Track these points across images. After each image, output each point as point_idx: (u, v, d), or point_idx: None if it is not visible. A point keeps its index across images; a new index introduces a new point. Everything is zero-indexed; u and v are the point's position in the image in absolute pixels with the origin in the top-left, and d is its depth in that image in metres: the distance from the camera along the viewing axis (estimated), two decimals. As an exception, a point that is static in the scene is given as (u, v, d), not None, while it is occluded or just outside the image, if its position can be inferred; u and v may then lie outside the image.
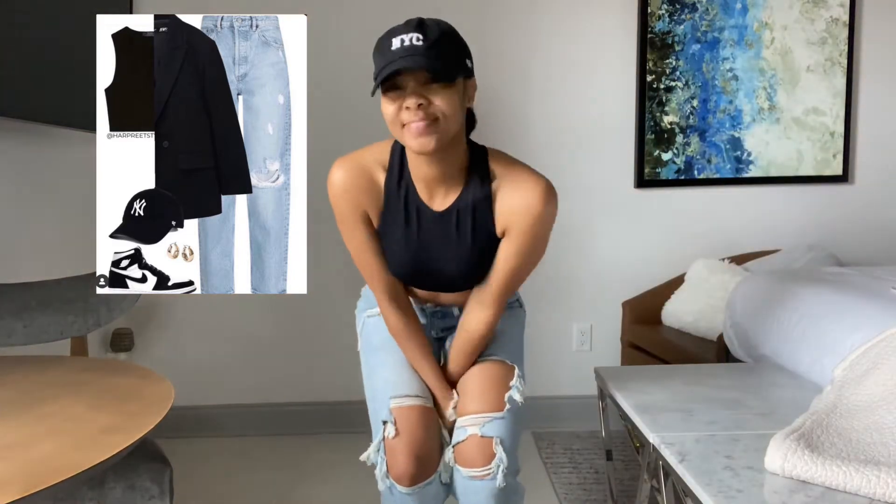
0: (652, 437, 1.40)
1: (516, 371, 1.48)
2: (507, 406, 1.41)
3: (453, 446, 1.41)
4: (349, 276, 2.84)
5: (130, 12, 2.58)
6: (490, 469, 1.35)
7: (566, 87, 2.82)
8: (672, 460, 1.28)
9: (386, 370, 1.51)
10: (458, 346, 1.51)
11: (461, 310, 1.55)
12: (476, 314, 1.48)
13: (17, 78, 1.88)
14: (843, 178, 2.89)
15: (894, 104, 2.91)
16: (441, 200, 1.41)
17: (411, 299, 1.56)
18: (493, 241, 1.42)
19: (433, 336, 1.64)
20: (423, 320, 1.60)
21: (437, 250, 1.43)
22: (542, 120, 2.82)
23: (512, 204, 1.37)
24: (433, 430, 1.43)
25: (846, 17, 2.83)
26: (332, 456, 2.61)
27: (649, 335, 2.66)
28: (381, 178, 1.44)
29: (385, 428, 1.42)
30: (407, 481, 1.38)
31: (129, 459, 1.39)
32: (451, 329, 1.61)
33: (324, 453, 2.64)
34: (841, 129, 2.87)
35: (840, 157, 2.88)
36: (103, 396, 1.24)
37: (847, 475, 1.10)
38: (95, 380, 1.35)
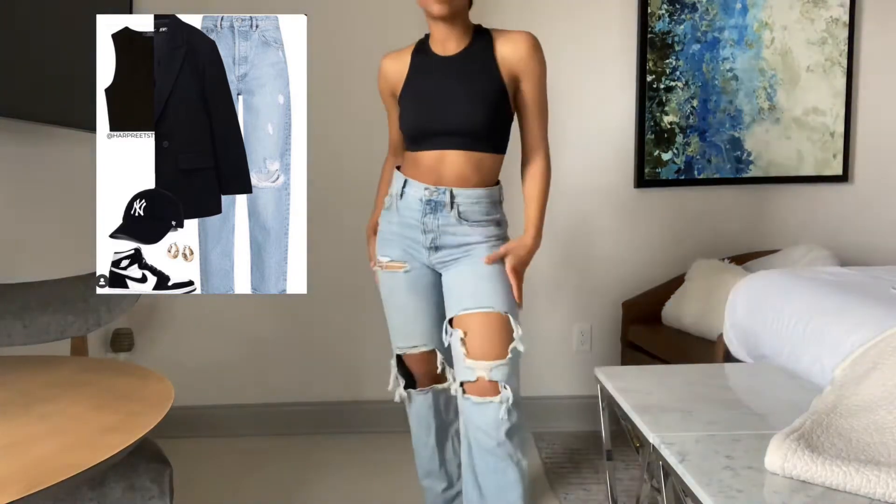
0: (652, 437, 1.40)
1: (512, 322, 1.70)
2: (510, 355, 1.68)
3: (461, 383, 1.70)
4: (349, 276, 2.84)
5: (130, 12, 2.58)
6: (496, 399, 1.65)
7: (566, 87, 2.82)
8: (672, 460, 1.28)
9: (394, 325, 1.91)
10: (529, 192, 1.80)
11: (453, 204, 1.72)
12: (532, 168, 1.80)
13: (17, 78, 1.88)
14: (843, 178, 2.89)
15: (894, 104, 2.91)
16: (454, 49, 1.73)
17: (413, 187, 1.76)
18: (495, 85, 1.69)
19: (430, 264, 1.81)
20: (419, 238, 1.77)
21: (449, 87, 1.70)
22: (542, 120, 2.82)
23: (515, 49, 1.70)
24: (430, 366, 1.90)
25: (846, 17, 2.83)
26: (332, 456, 2.61)
27: (649, 335, 2.66)
28: (408, 58, 1.80)
29: (397, 365, 1.94)
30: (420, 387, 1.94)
31: (129, 459, 1.39)
32: (448, 252, 1.76)
33: (324, 453, 2.64)
34: (841, 129, 2.87)
35: (840, 157, 2.88)
36: (103, 396, 1.24)
37: (847, 475, 1.10)
38: (95, 380, 1.35)
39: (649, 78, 2.81)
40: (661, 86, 2.82)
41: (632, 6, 2.81)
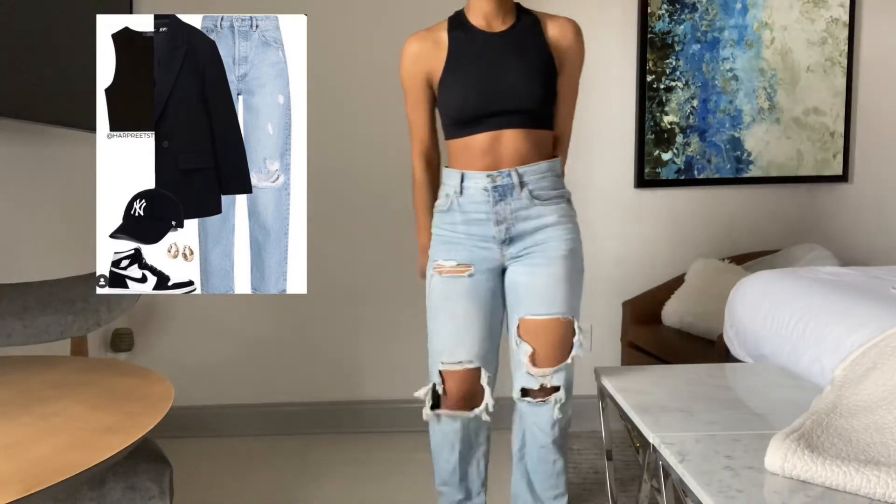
0: (652, 437, 1.40)
1: (576, 325, 1.70)
2: (569, 360, 1.70)
3: (521, 389, 1.71)
4: (349, 277, 2.84)
5: (130, 12, 2.58)
6: (550, 399, 1.70)
7: (566, 87, 2.82)
8: (672, 460, 1.28)
9: (441, 336, 1.72)
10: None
11: (522, 185, 1.64)
12: (562, 135, 1.82)
13: (18, 78, 1.88)
14: (843, 178, 2.89)
15: (894, 104, 2.91)
16: (500, 26, 1.67)
17: (473, 178, 1.66)
18: (547, 61, 1.66)
19: (500, 262, 1.72)
20: (490, 233, 1.68)
21: (504, 63, 1.63)
22: (542, 120, 2.82)
23: (563, 34, 1.69)
24: (474, 384, 1.70)
25: (846, 17, 2.83)
26: (332, 456, 2.61)
27: (649, 335, 2.66)
28: (444, 37, 1.68)
29: (433, 386, 1.72)
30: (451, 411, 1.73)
31: (129, 459, 1.39)
32: (522, 244, 1.68)
33: (324, 453, 2.64)
34: (841, 129, 2.87)
35: (840, 157, 2.88)
36: (103, 396, 1.24)
37: (847, 475, 1.10)
38: (95, 380, 1.35)
39: (649, 78, 2.81)
40: (661, 86, 2.82)
41: (632, 6, 2.81)
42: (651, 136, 2.84)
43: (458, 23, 1.69)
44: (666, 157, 2.85)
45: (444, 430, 1.75)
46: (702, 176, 2.86)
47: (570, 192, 1.78)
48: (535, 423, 1.73)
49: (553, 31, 1.69)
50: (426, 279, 1.78)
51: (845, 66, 2.84)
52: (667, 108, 2.83)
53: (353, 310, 2.86)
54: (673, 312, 2.64)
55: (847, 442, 1.22)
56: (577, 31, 1.72)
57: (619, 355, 2.88)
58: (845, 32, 2.83)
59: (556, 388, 1.70)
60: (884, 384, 1.35)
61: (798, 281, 1.98)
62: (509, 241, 1.68)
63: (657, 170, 2.85)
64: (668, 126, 2.84)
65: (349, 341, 2.88)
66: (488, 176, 1.65)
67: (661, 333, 2.62)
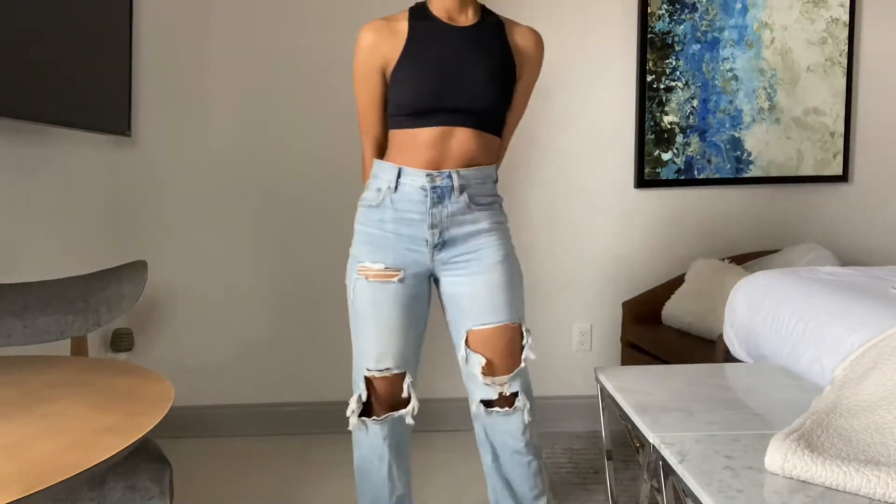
0: (652, 437, 1.40)
1: (523, 329, 1.69)
2: (522, 364, 1.69)
3: (481, 401, 1.69)
4: (349, 276, 2.84)
5: (130, 12, 2.58)
6: (516, 408, 1.68)
7: (566, 87, 2.82)
8: (672, 460, 1.28)
9: (368, 342, 1.67)
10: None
11: (462, 188, 1.59)
12: (503, 145, 1.78)
13: (18, 78, 1.88)
14: (843, 178, 2.89)
15: (894, 104, 2.91)
16: (464, 21, 1.62)
17: (411, 175, 1.59)
18: (508, 65, 1.63)
19: (430, 268, 1.65)
20: (423, 235, 1.61)
21: (465, 58, 1.58)
22: (543, 120, 2.82)
23: (526, 41, 1.67)
24: (399, 389, 1.69)
25: (846, 17, 2.83)
26: (332, 456, 2.61)
27: (649, 335, 2.66)
28: (404, 26, 1.61)
29: (359, 393, 1.69)
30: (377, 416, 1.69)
31: (129, 459, 1.39)
32: (454, 250, 1.63)
33: (324, 453, 2.64)
34: (841, 129, 2.87)
35: (840, 157, 2.88)
36: (103, 396, 1.24)
37: (847, 475, 1.10)
38: (95, 380, 1.35)
39: (649, 78, 2.81)
40: (661, 86, 2.82)
41: (632, 6, 2.81)
42: (651, 136, 2.84)
43: (419, 13, 1.62)
44: (666, 157, 2.85)
45: (372, 439, 1.69)
46: (702, 176, 2.86)
47: (502, 198, 1.72)
48: (506, 432, 1.71)
49: (516, 38, 1.66)
50: (349, 280, 1.68)
51: (845, 66, 2.84)
52: (667, 108, 2.83)
53: (353, 310, 2.85)
54: (673, 312, 2.64)
55: (847, 442, 1.22)
56: (540, 41, 1.70)
57: (619, 355, 2.88)
58: (845, 32, 2.83)
59: (517, 394, 1.69)
60: (884, 384, 1.35)
61: (798, 281, 1.98)
62: (441, 245, 1.61)
63: (657, 170, 2.85)
64: (668, 126, 2.84)
65: (349, 341, 2.87)
66: (428, 175, 1.57)
67: (661, 333, 2.63)
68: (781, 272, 2.11)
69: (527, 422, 1.70)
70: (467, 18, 1.61)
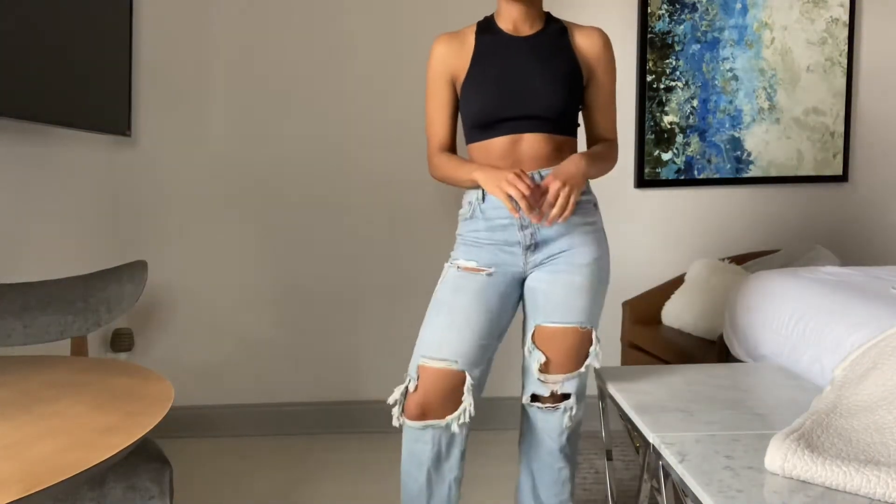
0: (652, 437, 1.40)
1: (593, 336, 1.67)
2: (583, 369, 1.67)
3: (532, 395, 1.68)
4: (349, 277, 2.84)
5: (130, 12, 2.58)
6: (560, 406, 1.66)
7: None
8: (672, 460, 1.28)
9: (431, 329, 1.62)
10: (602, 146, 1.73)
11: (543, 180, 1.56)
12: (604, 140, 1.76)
13: (18, 78, 1.88)
14: (843, 178, 2.89)
15: (894, 104, 2.91)
16: (528, 31, 1.67)
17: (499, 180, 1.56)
18: (573, 68, 1.66)
19: (523, 269, 1.66)
20: (515, 238, 1.62)
21: (528, 67, 1.62)
22: (542, 120, 2.82)
23: (591, 43, 1.69)
24: (451, 389, 1.59)
25: (846, 17, 2.83)
26: (332, 456, 2.61)
27: (649, 335, 2.66)
28: (471, 40, 1.68)
29: (408, 381, 1.61)
30: (415, 419, 1.60)
31: (129, 459, 1.39)
32: (548, 250, 1.63)
33: (324, 453, 2.64)
34: (841, 129, 2.87)
35: (840, 157, 2.88)
36: (103, 396, 1.24)
37: (847, 475, 1.10)
38: (95, 380, 1.35)
39: (649, 78, 2.81)
40: (661, 86, 2.82)
41: (632, 6, 2.81)
42: (651, 136, 2.84)
43: (486, 27, 1.69)
44: (666, 157, 2.85)
45: (412, 443, 1.61)
46: (702, 176, 2.86)
47: (596, 198, 1.73)
48: (544, 430, 1.70)
49: (580, 40, 1.68)
50: (443, 271, 1.69)
51: (845, 66, 2.84)
52: (667, 108, 2.83)
53: (352, 310, 2.86)
54: (673, 312, 2.64)
55: (847, 442, 1.22)
56: (606, 40, 1.71)
57: (619, 355, 2.88)
58: (845, 32, 2.83)
59: (567, 396, 1.67)
60: (884, 384, 1.35)
61: (798, 281, 1.98)
62: (534, 246, 1.63)
63: (657, 170, 2.85)
64: (668, 126, 2.84)
65: (349, 341, 2.88)
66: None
67: (661, 333, 2.62)
68: (781, 272, 2.11)
69: (566, 425, 1.68)
70: (531, 28, 1.67)
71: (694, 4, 2.80)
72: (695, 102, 2.84)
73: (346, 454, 2.65)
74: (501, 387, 2.94)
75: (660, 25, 2.80)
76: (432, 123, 1.72)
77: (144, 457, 1.44)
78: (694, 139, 2.85)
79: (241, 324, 2.84)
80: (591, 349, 1.66)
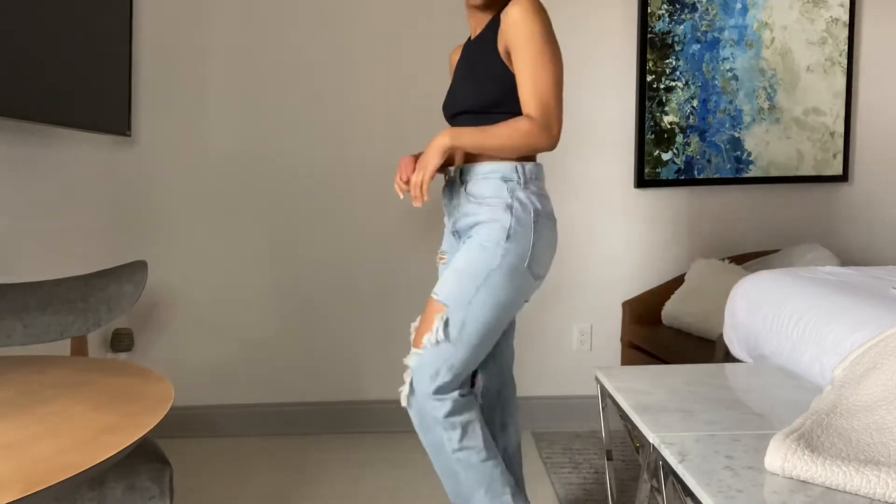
0: (652, 437, 1.40)
1: (442, 315, 1.59)
2: (424, 346, 1.60)
3: None
4: (349, 277, 2.84)
5: (130, 13, 2.58)
6: (401, 390, 1.63)
7: (566, 86, 2.82)
8: (672, 460, 1.28)
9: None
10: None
11: (462, 180, 1.70)
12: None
13: (18, 78, 1.88)
14: (843, 178, 2.89)
15: (894, 104, 2.91)
16: (473, 33, 1.79)
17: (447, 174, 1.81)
18: (493, 60, 1.65)
19: (454, 231, 1.78)
20: (448, 224, 1.81)
21: (459, 70, 1.79)
22: (542, 120, 2.82)
23: (505, 20, 1.61)
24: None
25: (846, 17, 2.83)
26: (332, 456, 2.61)
27: (649, 335, 2.66)
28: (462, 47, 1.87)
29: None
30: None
31: (129, 459, 1.39)
32: (463, 224, 1.71)
33: (324, 453, 2.64)
34: (841, 129, 2.87)
35: (840, 157, 2.88)
36: (103, 396, 1.24)
37: (847, 475, 1.10)
38: (95, 380, 1.35)
39: (649, 78, 2.81)
40: (661, 86, 2.82)
41: (632, 6, 2.81)
42: (651, 136, 2.84)
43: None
44: (666, 157, 2.85)
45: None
46: (702, 176, 2.86)
47: (529, 203, 1.63)
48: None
49: (504, 20, 1.61)
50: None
51: (845, 66, 2.84)
52: (667, 108, 2.83)
53: (353, 310, 2.86)
54: (673, 312, 2.64)
55: (847, 442, 1.22)
56: (518, 11, 1.57)
57: (619, 355, 2.88)
58: (845, 32, 2.83)
59: (406, 373, 1.63)
60: (884, 384, 1.35)
61: (798, 281, 1.98)
62: (457, 233, 1.76)
63: (657, 170, 2.85)
64: (668, 126, 2.84)
65: (349, 341, 2.88)
66: (443, 173, 1.81)
67: (661, 333, 2.62)
68: (781, 272, 2.11)
69: (403, 405, 1.62)
70: (478, 31, 1.75)
71: (694, 4, 2.80)
72: (695, 102, 2.84)
73: (346, 454, 2.65)
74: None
75: (660, 25, 2.80)
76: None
77: (144, 457, 1.44)
78: (694, 139, 2.85)
79: (241, 324, 2.84)
80: (434, 326, 1.58)
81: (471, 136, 1.59)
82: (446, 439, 1.62)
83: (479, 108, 1.67)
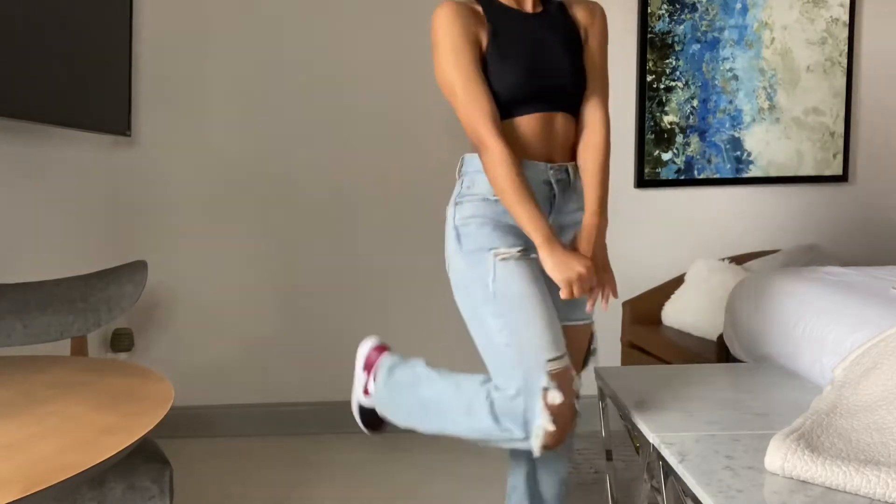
0: (652, 437, 1.40)
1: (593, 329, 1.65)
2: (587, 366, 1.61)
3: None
4: (349, 276, 2.84)
5: (130, 13, 2.58)
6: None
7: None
8: (672, 460, 1.28)
9: (535, 329, 1.39)
10: (589, 161, 1.53)
11: (575, 172, 1.54)
12: (593, 125, 1.54)
13: (18, 78, 1.88)
14: (843, 178, 2.89)
15: (894, 104, 2.91)
16: (532, 8, 1.54)
17: (532, 168, 1.48)
18: (580, 41, 1.56)
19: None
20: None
21: (550, 43, 1.51)
22: (542, 120, 2.82)
23: (585, 14, 1.58)
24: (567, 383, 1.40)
25: (846, 17, 2.83)
26: (332, 456, 2.61)
27: (649, 335, 2.66)
28: (479, 9, 1.50)
29: (547, 395, 1.35)
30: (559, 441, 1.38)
31: (129, 459, 1.39)
32: (571, 220, 1.54)
33: (324, 453, 2.64)
34: (841, 129, 2.87)
35: (840, 157, 2.88)
36: (103, 396, 1.24)
37: (847, 475, 1.10)
38: (95, 380, 1.35)
39: (649, 78, 2.81)
40: (661, 86, 2.82)
41: (632, 6, 2.81)
42: (651, 136, 2.84)
43: (487, 2, 1.52)
44: (666, 157, 2.85)
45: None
46: (702, 176, 2.86)
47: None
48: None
49: (577, 13, 1.58)
50: (476, 275, 1.46)
51: (845, 66, 2.84)
52: (667, 108, 2.83)
53: (353, 310, 2.86)
54: (673, 312, 2.64)
55: (847, 442, 1.22)
56: (602, 12, 1.60)
57: (619, 355, 2.88)
58: (845, 32, 2.83)
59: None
60: (884, 384, 1.35)
61: (798, 281, 1.98)
62: (561, 229, 1.52)
63: (657, 170, 2.85)
64: (668, 126, 2.84)
65: (349, 341, 2.87)
66: (552, 169, 1.50)
67: (661, 333, 2.62)
68: (781, 272, 2.11)
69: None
70: (532, 5, 1.54)
71: (694, 4, 2.80)
72: (695, 102, 2.84)
73: (346, 454, 2.65)
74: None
75: (660, 25, 2.80)
76: (474, 97, 1.45)
77: (144, 457, 1.44)
78: (694, 139, 2.85)
79: (241, 324, 2.84)
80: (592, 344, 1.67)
81: (605, 193, 1.53)
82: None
83: (580, 89, 1.54)
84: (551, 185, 1.49)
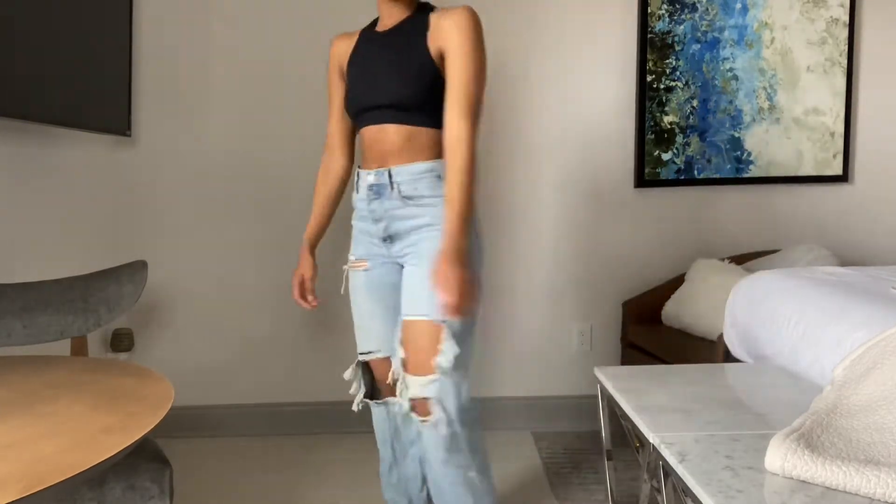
0: (652, 437, 1.40)
1: (444, 333, 1.59)
2: (436, 371, 1.59)
3: (409, 398, 1.64)
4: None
5: (130, 13, 2.58)
6: (430, 419, 1.61)
7: (566, 86, 2.82)
8: (672, 460, 1.28)
9: (355, 324, 1.85)
10: (447, 162, 1.58)
11: (393, 184, 1.65)
12: (449, 130, 1.59)
13: (18, 78, 1.88)
14: (843, 178, 2.89)
15: (894, 104, 2.91)
16: (389, 26, 1.71)
17: (361, 176, 1.73)
18: (423, 59, 1.62)
19: (392, 259, 1.75)
20: (373, 230, 1.73)
21: (381, 61, 1.67)
22: (543, 120, 2.82)
23: (442, 25, 1.61)
24: (383, 373, 1.81)
25: (846, 17, 2.83)
26: (332, 456, 2.61)
27: (649, 335, 2.66)
28: (357, 34, 1.80)
29: (355, 370, 1.85)
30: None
31: (129, 459, 1.39)
32: (403, 242, 1.69)
33: (324, 453, 2.64)
34: (841, 129, 2.87)
35: (840, 157, 2.88)
36: (103, 396, 1.24)
37: (847, 475, 1.10)
38: (95, 380, 1.35)
39: (649, 78, 2.81)
40: (661, 86, 2.82)
41: (632, 6, 2.81)
42: (651, 136, 2.84)
43: (371, 24, 1.78)
44: (666, 157, 2.85)
45: (376, 420, 1.89)
46: (702, 176, 2.86)
47: (441, 167, 1.66)
48: (425, 444, 1.64)
49: (439, 23, 1.61)
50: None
51: (845, 66, 2.84)
52: (667, 108, 2.83)
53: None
54: (673, 312, 2.64)
55: (847, 442, 1.22)
56: (462, 19, 1.58)
57: (619, 355, 2.88)
58: (845, 32, 2.83)
59: (430, 407, 1.60)
60: (884, 384, 1.35)
61: (798, 281, 1.98)
62: (390, 239, 1.70)
63: (657, 170, 2.85)
64: (668, 126, 2.84)
65: (349, 341, 2.87)
66: (369, 174, 1.69)
67: (661, 333, 2.63)
68: (781, 272, 2.11)
69: (443, 435, 1.60)
70: (393, 23, 1.70)
71: (694, 4, 2.80)
72: (695, 102, 2.84)
73: (346, 454, 2.65)
74: (491, 387, 2.95)
75: (660, 25, 2.80)
76: (330, 120, 1.89)
77: (144, 457, 1.44)
78: (694, 139, 2.85)
79: (241, 324, 2.84)
80: (443, 346, 1.57)
81: (463, 208, 1.52)
82: (470, 455, 1.67)
83: (406, 104, 1.61)
84: (369, 190, 1.69)
